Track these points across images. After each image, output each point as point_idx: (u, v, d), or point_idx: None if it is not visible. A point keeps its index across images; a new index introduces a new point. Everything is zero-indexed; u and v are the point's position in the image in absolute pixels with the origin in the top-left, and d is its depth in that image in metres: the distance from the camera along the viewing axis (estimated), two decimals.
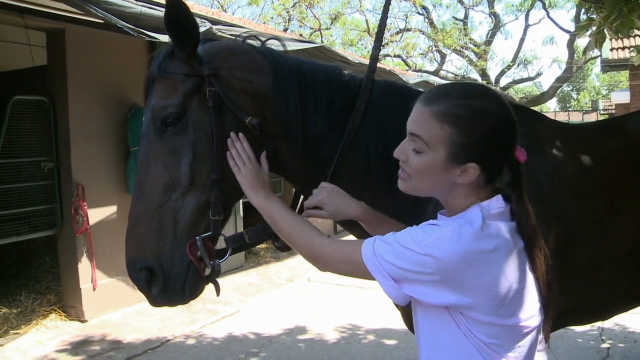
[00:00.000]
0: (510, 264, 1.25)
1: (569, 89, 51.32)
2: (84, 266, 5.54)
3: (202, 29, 4.98)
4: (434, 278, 1.22)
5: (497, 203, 1.31)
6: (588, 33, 4.00)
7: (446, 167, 1.28)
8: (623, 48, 12.47)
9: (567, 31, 22.58)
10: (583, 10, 4.06)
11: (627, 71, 12.94)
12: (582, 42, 22.67)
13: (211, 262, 1.68)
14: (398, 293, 1.27)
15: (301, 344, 4.92)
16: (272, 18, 23.03)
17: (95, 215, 5.64)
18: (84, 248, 5.53)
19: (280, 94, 1.78)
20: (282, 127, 1.79)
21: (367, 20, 23.10)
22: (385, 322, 5.23)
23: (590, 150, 2.00)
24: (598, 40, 3.93)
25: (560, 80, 22.25)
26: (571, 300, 1.90)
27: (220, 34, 5.25)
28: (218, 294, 1.79)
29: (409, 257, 1.23)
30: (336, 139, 1.81)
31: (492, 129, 1.27)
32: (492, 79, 23.58)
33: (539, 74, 26.66)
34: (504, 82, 24.74)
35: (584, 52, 22.54)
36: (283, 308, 6.04)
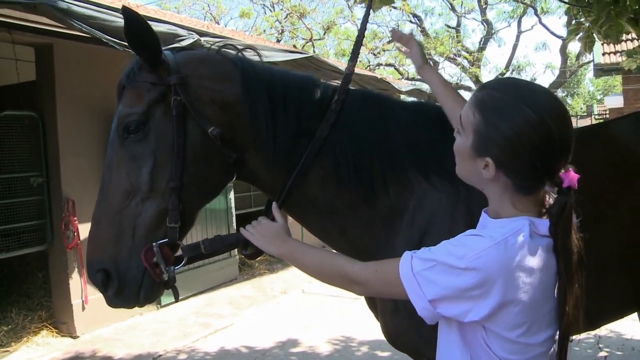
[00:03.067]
0: (545, 282, 1.22)
1: (564, 94, 51.53)
2: (75, 282, 5.50)
3: (189, 41, 4.97)
4: (473, 294, 1.19)
5: (547, 224, 1.24)
6: (577, 37, 4.00)
7: (472, 156, 1.26)
8: (615, 52, 12.51)
9: (559, 37, 22.70)
10: (571, 15, 4.05)
11: (621, 75, 13.00)
12: (574, 47, 22.79)
13: (167, 269, 1.69)
14: (431, 314, 1.25)
15: (294, 357, 4.87)
16: (264, 31, 23.10)
17: (86, 230, 5.52)
18: (75, 263, 5.48)
19: (249, 102, 1.78)
20: (251, 136, 1.79)
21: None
22: (379, 333, 5.13)
23: (577, 158, 1.98)
24: (587, 44, 3.93)
25: (554, 85, 22.31)
26: None
27: (209, 45, 5.25)
28: (176, 299, 1.85)
29: (449, 274, 1.20)
30: (307, 148, 1.80)
31: (519, 134, 1.19)
32: None
33: (533, 80, 26.68)
34: None
35: (577, 57, 22.65)
36: (277, 321, 5.99)
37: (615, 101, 12.41)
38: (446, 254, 1.22)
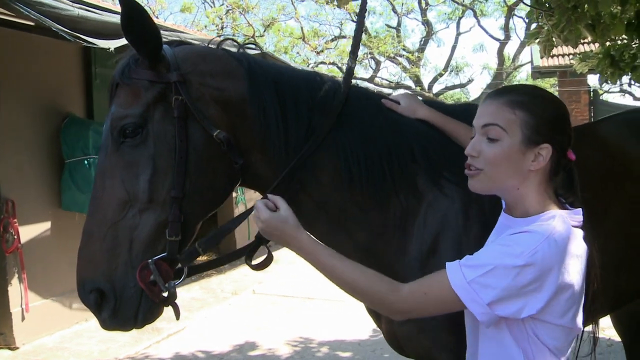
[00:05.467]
0: (582, 269, 1.33)
1: None
2: (15, 288, 5.11)
3: None
4: (529, 289, 1.24)
5: (579, 215, 1.37)
6: (537, 40, 4.08)
7: (522, 151, 1.34)
8: (552, 56, 13.07)
9: (496, 39, 23.49)
10: (533, 18, 4.14)
11: (555, 78, 13.55)
12: (510, 49, 23.64)
13: (166, 285, 1.55)
14: (489, 317, 1.28)
15: None
16: (205, 26, 22.64)
17: (27, 232, 5.24)
18: (14, 269, 5.10)
19: (258, 103, 1.65)
20: (258, 137, 1.66)
21: (302, 28, 23.11)
22: (337, 333, 5.14)
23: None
24: (547, 48, 4.01)
25: (491, 86, 23.05)
26: None
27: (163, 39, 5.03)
28: (178, 318, 1.66)
29: (507, 276, 1.24)
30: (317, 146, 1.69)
31: (555, 112, 1.39)
32: (425, 85, 24.11)
33: (470, 81, 27.60)
34: (436, 88, 25.37)
35: (513, 59, 23.51)
36: (230, 323, 5.83)
37: None
38: (501, 256, 1.26)
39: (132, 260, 1.54)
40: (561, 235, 1.28)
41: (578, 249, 1.31)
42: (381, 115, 1.77)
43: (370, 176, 1.69)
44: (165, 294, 1.58)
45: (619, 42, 4.20)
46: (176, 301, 1.63)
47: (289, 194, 1.68)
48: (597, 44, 5.46)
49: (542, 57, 11.95)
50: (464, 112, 1.87)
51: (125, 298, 1.54)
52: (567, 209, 1.39)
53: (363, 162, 1.69)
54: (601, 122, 2.39)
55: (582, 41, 4.12)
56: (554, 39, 4.02)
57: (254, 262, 1.73)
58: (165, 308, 1.64)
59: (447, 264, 1.32)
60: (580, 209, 1.38)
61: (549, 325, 1.30)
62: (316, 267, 1.45)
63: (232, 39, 1.80)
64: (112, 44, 4.11)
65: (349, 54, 1.89)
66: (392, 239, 1.73)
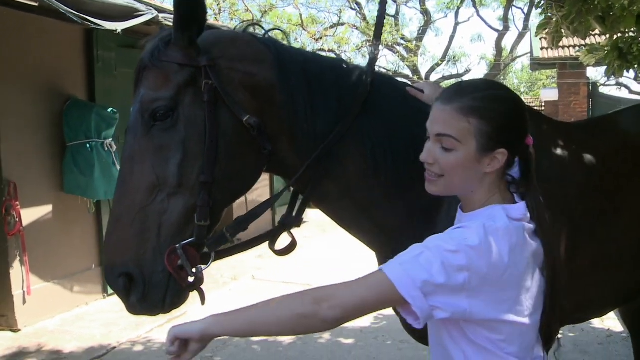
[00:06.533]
0: (524, 260, 1.29)
1: None
2: (16, 271, 5.10)
3: (148, 17, 4.71)
4: (459, 278, 1.21)
5: (519, 209, 1.34)
6: (546, 31, 4.07)
7: (478, 159, 1.32)
8: (552, 48, 13.07)
9: (495, 29, 23.42)
10: (541, 10, 4.13)
11: (552, 70, 13.58)
12: (509, 40, 23.59)
13: (193, 270, 1.56)
14: (422, 304, 1.21)
15: (256, 345, 4.77)
16: None
17: (29, 215, 5.21)
18: (16, 251, 5.09)
19: (287, 89, 1.64)
20: (286, 123, 1.66)
21: (300, 14, 22.95)
22: None
23: (591, 150, 2.01)
24: (555, 39, 4.01)
25: (489, 77, 23.03)
26: (575, 299, 1.93)
27: (167, 22, 4.98)
28: (203, 303, 1.66)
29: (438, 257, 1.22)
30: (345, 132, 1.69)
31: (510, 114, 1.35)
32: (423, 75, 24.05)
33: (467, 71, 27.49)
34: (434, 78, 25.26)
35: (511, 50, 23.48)
36: (231, 308, 5.77)
37: (551, 94, 13.01)
38: (434, 243, 1.26)
39: (161, 245, 1.54)
40: (495, 227, 1.25)
41: (517, 241, 1.27)
42: (406, 104, 1.77)
43: (395, 164, 1.70)
44: (191, 279, 1.58)
45: (628, 34, 4.19)
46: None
47: (314, 180, 1.69)
48: (602, 37, 5.47)
49: (550, 49, 11.97)
50: None
51: (154, 282, 1.55)
52: (515, 201, 1.37)
53: (389, 150, 1.70)
54: (619, 114, 2.39)
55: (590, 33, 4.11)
56: (562, 30, 4.01)
57: (277, 248, 1.74)
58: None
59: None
60: (523, 203, 1.35)
61: (486, 320, 1.27)
62: (239, 333, 1.42)
63: (258, 24, 1.79)
64: (118, 26, 4.08)
65: (372, 40, 1.88)
66: (417, 226, 1.74)
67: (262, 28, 1.78)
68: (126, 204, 1.55)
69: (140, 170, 1.54)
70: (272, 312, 1.32)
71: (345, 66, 1.79)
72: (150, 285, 1.54)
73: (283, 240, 1.83)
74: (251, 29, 1.76)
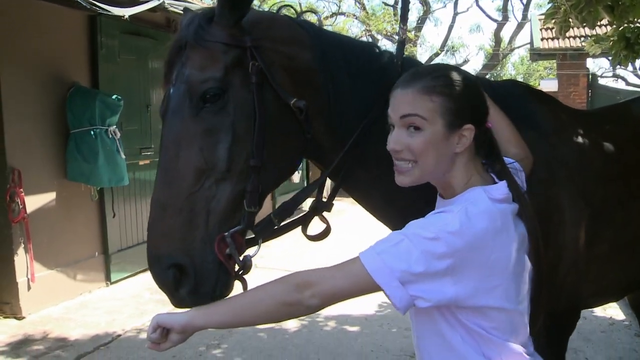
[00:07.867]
0: (512, 244, 1.27)
1: (488, 76, 53.46)
2: (21, 258, 5.10)
3: (155, 3, 4.68)
4: (441, 265, 1.20)
5: (500, 189, 1.33)
6: (553, 21, 4.07)
7: (446, 137, 1.31)
8: (552, 38, 13.06)
9: (494, 20, 23.39)
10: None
11: (550, 61, 13.53)
12: (507, 31, 23.56)
13: (241, 258, 1.49)
14: (401, 293, 1.22)
15: (262, 333, 4.78)
16: None
17: (33, 202, 5.20)
18: (20, 238, 5.08)
19: (326, 72, 1.62)
20: (324, 107, 1.63)
21: (299, 3, 22.81)
22: (343, 308, 5.14)
23: (607, 137, 2.04)
24: (563, 28, 4.01)
25: (487, 67, 23.07)
26: (595, 283, 1.98)
27: (172, 8, 4.96)
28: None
29: (417, 245, 1.21)
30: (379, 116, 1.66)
31: (471, 91, 1.36)
32: None
33: (466, 61, 27.52)
34: None
35: (510, 41, 23.47)
36: None
37: (550, 85, 12.99)
38: (412, 230, 1.25)
39: (210, 233, 1.46)
40: (477, 211, 1.24)
41: (502, 224, 1.26)
42: None
43: None
44: (238, 268, 1.51)
45: (636, 24, 4.19)
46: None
47: (347, 166, 1.67)
48: (607, 28, 5.46)
49: (555, 39, 11.95)
50: (508, 93, 1.88)
51: (206, 273, 1.45)
52: (494, 182, 1.36)
53: None
54: (632, 102, 2.42)
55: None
56: (570, 19, 4.01)
57: (310, 233, 1.72)
58: None
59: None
60: (504, 182, 1.34)
61: (476, 307, 1.27)
62: (223, 325, 1.43)
63: (290, 6, 1.76)
64: (126, 12, 4.05)
65: (398, 25, 1.88)
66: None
67: (295, 10, 1.75)
68: (172, 190, 1.46)
69: (188, 155, 1.46)
70: (256, 302, 1.34)
71: (377, 50, 1.79)
72: (201, 276, 1.45)
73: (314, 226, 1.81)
74: (284, 11, 1.73)
